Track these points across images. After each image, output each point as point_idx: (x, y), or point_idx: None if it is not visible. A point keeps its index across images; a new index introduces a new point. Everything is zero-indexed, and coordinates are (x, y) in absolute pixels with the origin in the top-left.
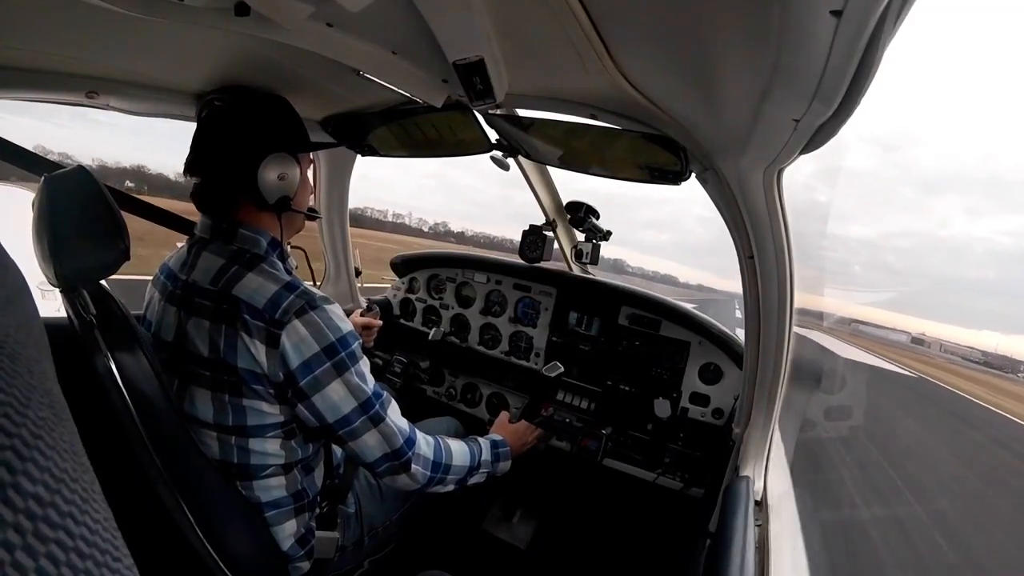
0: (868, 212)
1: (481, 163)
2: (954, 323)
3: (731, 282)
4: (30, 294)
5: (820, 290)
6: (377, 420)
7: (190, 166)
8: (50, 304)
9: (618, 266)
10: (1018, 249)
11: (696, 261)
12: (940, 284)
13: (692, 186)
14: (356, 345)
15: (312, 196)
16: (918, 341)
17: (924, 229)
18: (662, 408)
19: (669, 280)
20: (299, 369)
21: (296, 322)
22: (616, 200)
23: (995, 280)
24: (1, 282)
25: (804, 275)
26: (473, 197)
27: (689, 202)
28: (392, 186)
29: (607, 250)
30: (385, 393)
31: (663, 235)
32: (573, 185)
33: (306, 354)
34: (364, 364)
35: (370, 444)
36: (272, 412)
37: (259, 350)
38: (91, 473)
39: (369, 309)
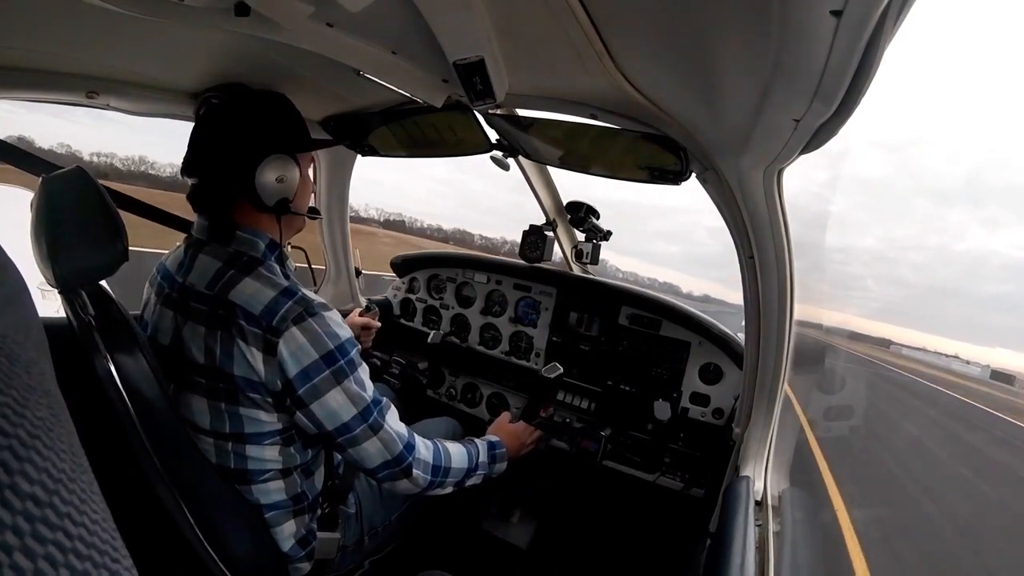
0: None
1: (496, 170)
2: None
3: (737, 293)
4: (29, 295)
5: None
6: (376, 427)
7: (187, 166)
8: (50, 305)
9: (606, 271)
10: None
11: (705, 272)
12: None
13: (703, 196)
14: (355, 352)
15: (312, 195)
16: (1004, 377)
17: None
18: (662, 410)
19: (670, 289)
20: (297, 377)
21: (294, 329)
22: (628, 209)
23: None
24: (0, 282)
25: (822, 289)
26: (486, 204)
27: (700, 212)
28: (402, 191)
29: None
30: (384, 399)
31: (674, 246)
32: (583, 193)
33: (304, 362)
34: (363, 371)
35: (370, 451)
36: (270, 420)
37: (256, 357)
38: (89, 473)
39: (368, 309)
